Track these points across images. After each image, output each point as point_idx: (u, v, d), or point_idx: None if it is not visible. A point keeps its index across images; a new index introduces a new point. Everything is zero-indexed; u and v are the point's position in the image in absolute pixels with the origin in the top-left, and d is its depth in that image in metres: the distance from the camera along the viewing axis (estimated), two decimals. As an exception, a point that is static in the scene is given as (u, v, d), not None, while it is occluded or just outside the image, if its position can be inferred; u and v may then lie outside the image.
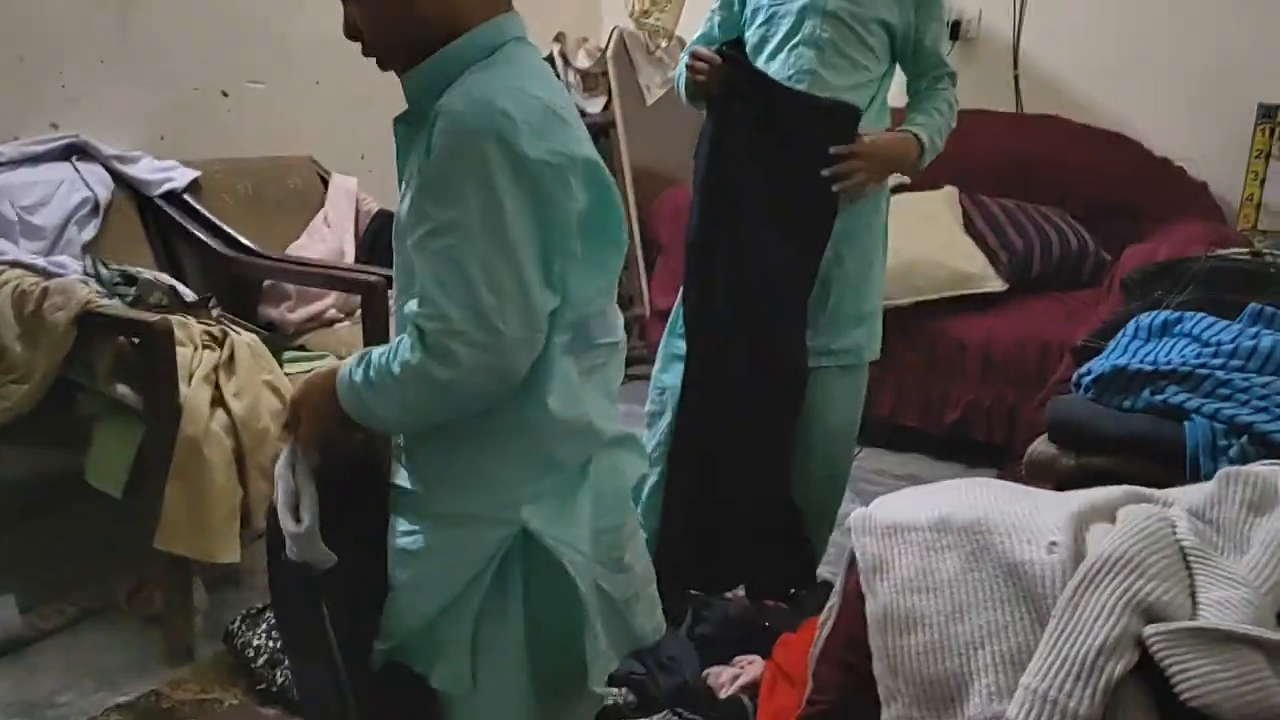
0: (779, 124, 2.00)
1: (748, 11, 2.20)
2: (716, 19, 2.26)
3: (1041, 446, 1.20)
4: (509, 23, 1.08)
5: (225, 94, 2.84)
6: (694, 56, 2.03)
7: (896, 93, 2.17)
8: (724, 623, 2.02)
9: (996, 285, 3.13)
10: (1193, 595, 0.67)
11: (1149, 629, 0.63)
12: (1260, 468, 0.77)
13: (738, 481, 2.10)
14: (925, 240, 3.12)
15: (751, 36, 2.19)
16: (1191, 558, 0.69)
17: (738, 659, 1.89)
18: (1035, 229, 3.23)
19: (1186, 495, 0.77)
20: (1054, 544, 0.69)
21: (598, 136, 3.99)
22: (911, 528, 0.76)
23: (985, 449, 3.00)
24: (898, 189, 3.37)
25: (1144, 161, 3.41)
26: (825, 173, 1.94)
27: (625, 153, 3.66)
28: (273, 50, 2.95)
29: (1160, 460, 1.11)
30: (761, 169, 2.02)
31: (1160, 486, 1.08)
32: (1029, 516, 0.73)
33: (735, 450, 2.08)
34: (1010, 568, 0.71)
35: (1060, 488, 1.27)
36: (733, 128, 2.05)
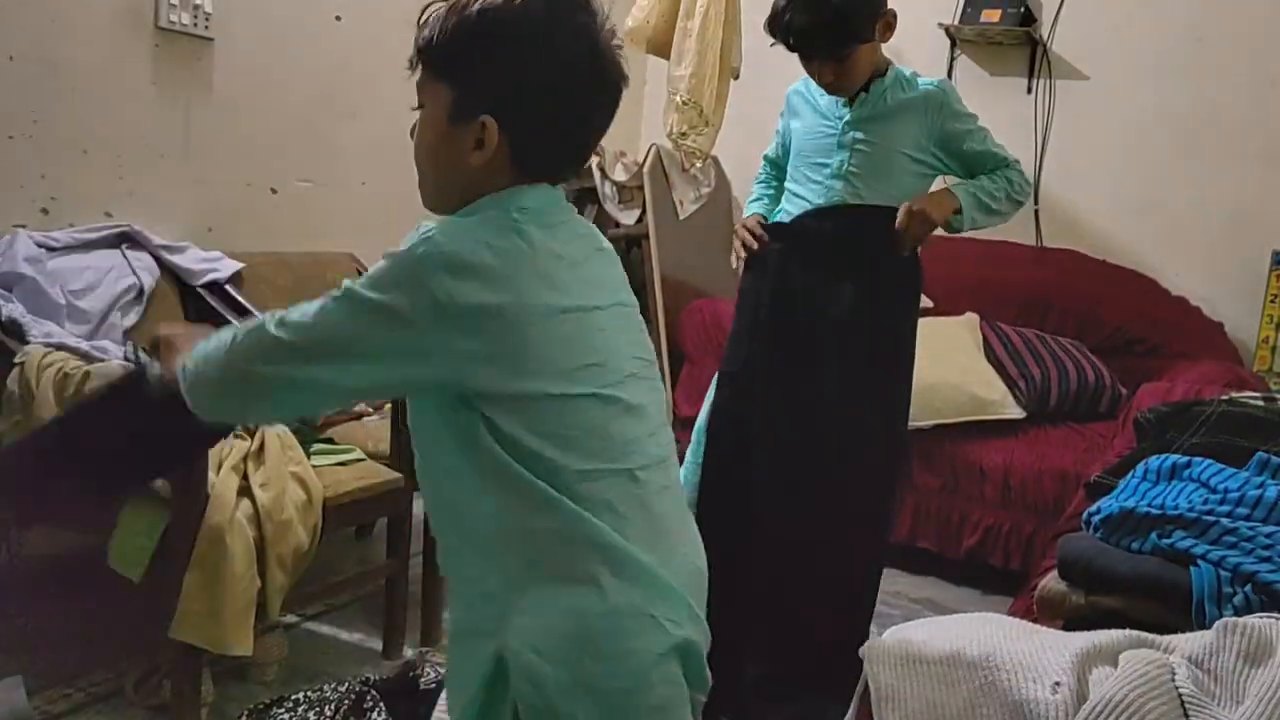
0: (833, 244, 2.15)
1: (788, 143, 2.32)
2: (776, 148, 2.40)
3: (1052, 583, 1.22)
4: (521, 194, 1.09)
5: (274, 190, 2.96)
6: (743, 240, 2.20)
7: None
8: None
9: (1015, 413, 3.15)
10: (1190, 744, 0.69)
11: (1146, 775, 0.65)
12: (1256, 620, 0.79)
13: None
14: (947, 365, 3.16)
15: (791, 170, 2.30)
16: (1189, 706, 0.71)
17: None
18: (1053, 359, 3.27)
19: (1186, 643, 0.80)
20: (1058, 684, 0.72)
21: (630, 247, 4.11)
22: (924, 659, 0.78)
23: (1002, 575, 2.99)
24: (923, 312, 3.47)
25: (1161, 299, 3.48)
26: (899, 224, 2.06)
27: (656, 263, 3.76)
28: (323, 152, 3.09)
29: (1167, 603, 1.13)
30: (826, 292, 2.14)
31: (1166, 629, 1.10)
32: (1035, 655, 0.76)
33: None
34: (1016, 706, 0.73)
35: (1069, 625, 1.28)
36: (789, 277, 2.18)
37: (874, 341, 2.18)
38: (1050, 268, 3.61)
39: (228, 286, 2.63)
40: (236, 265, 2.67)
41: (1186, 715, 0.71)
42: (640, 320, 1.17)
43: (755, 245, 2.20)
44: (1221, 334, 3.43)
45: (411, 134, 1.15)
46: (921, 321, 3.22)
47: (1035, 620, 1.36)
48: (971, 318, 3.43)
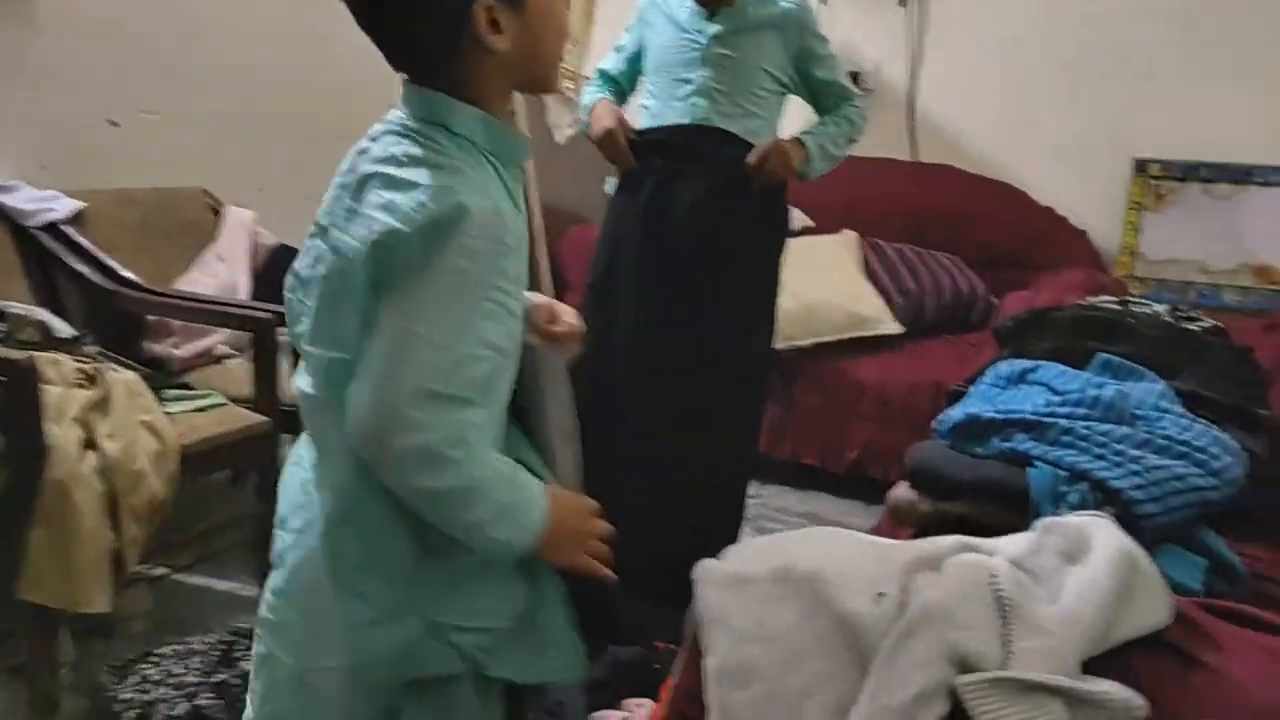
0: (698, 168, 2.16)
1: (646, 60, 2.29)
2: (618, 59, 2.35)
3: (901, 492, 1.23)
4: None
5: (114, 123, 2.77)
6: (602, 145, 2.18)
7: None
8: (614, 666, 2.01)
9: (893, 328, 3.20)
10: (1006, 644, 0.69)
11: (960, 679, 0.65)
12: (1074, 518, 0.80)
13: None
14: (826, 283, 3.19)
15: (651, 86, 2.28)
16: (1007, 607, 0.72)
17: (626, 702, 1.88)
18: (929, 274, 3.32)
19: (1010, 545, 0.80)
20: (881, 594, 0.71)
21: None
22: (752, 579, 0.77)
23: (884, 486, 3.03)
24: (800, 232, 3.48)
25: (1030, 211, 3.55)
26: (751, 158, 2.11)
27: (534, 187, 3.66)
28: (168, 80, 2.90)
29: (1008, 505, 1.14)
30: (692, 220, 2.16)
31: (1010, 531, 1.12)
32: (862, 567, 0.75)
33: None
34: (841, 619, 0.72)
35: (920, 532, 1.30)
36: (650, 198, 2.19)
37: (739, 264, 2.19)
38: (925, 183, 3.65)
39: (67, 228, 2.47)
40: (76, 204, 2.50)
41: (1004, 617, 0.71)
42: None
43: (629, 161, 2.17)
44: (1086, 242, 3.52)
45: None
46: (800, 240, 3.24)
47: (886, 526, 1.38)
48: (849, 235, 3.46)
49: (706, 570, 0.79)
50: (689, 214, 2.16)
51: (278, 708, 1.14)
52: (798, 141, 2.19)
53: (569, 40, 3.57)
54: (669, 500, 2.20)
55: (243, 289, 2.78)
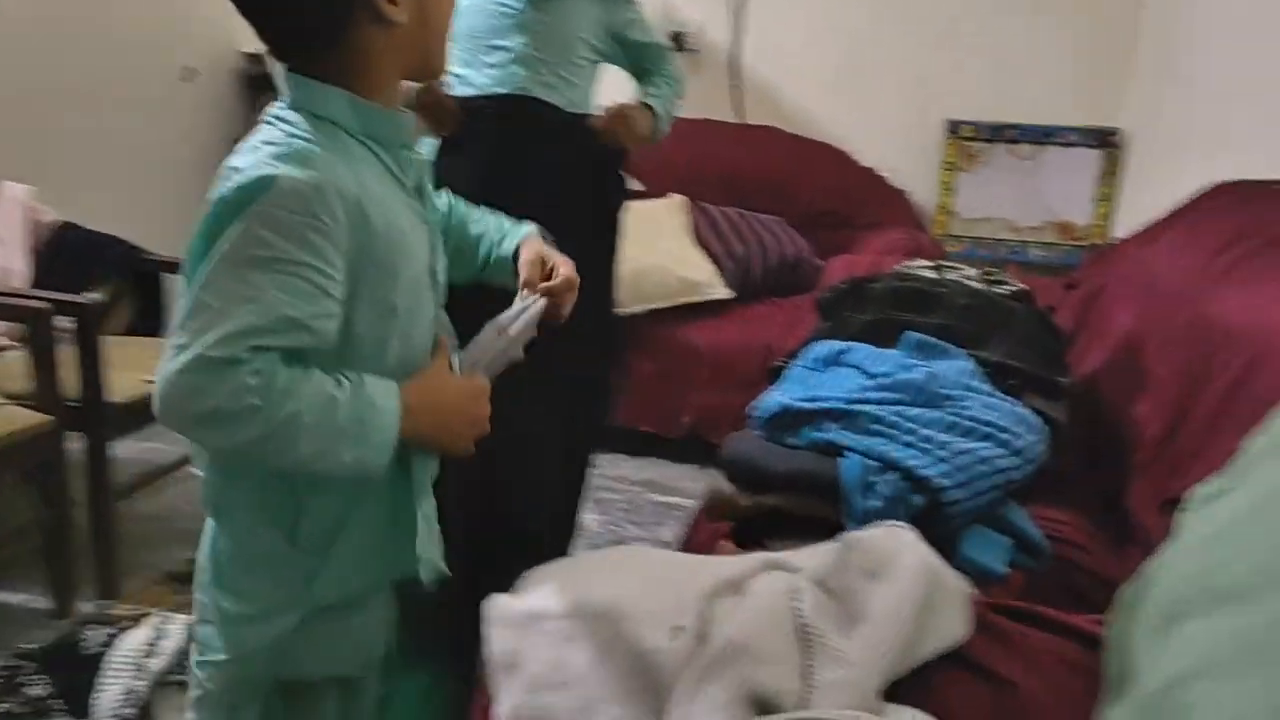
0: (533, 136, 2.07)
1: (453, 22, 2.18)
2: None
3: (717, 486, 1.21)
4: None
5: None
6: (427, 109, 2.02)
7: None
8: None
9: (723, 293, 3.21)
10: (807, 678, 0.67)
11: (757, 722, 0.63)
12: (877, 532, 0.79)
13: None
14: (655, 249, 3.16)
15: (459, 50, 2.18)
16: (810, 635, 0.70)
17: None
18: (755, 236, 3.34)
19: (813, 562, 0.78)
20: (679, 628, 0.68)
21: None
22: (547, 615, 0.72)
23: (719, 450, 3.09)
24: (633, 195, 3.44)
25: (852, 171, 3.62)
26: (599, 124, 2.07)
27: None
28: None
29: (822, 497, 1.14)
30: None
31: (825, 522, 1.11)
32: (661, 597, 0.71)
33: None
34: (637, 657, 0.68)
35: (738, 527, 1.29)
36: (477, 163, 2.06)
37: (584, 232, 2.13)
38: (751, 145, 3.66)
39: None
40: None
41: (806, 647, 0.69)
42: None
43: (457, 125, 2.07)
44: (905, 202, 3.62)
45: None
46: (630, 205, 3.19)
47: (705, 522, 1.36)
48: (677, 199, 3.44)
49: (497, 608, 0.74)
50: (530, 183, 2.09)
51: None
52: (644, 106, 2.17)
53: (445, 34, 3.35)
54: (515, 470, 2.15)
55: (19, 272, 2.53)
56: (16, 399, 2.11)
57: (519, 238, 1.28)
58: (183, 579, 2.34)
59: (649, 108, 2.17)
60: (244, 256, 0.90)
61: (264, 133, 0.98)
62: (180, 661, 1.66)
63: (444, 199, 1.29)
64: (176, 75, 3.48)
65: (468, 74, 2.16)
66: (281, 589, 1.06)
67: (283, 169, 0.92)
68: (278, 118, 0.99)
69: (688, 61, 3.74)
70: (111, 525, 2.26)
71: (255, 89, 3.70)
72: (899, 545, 0.76)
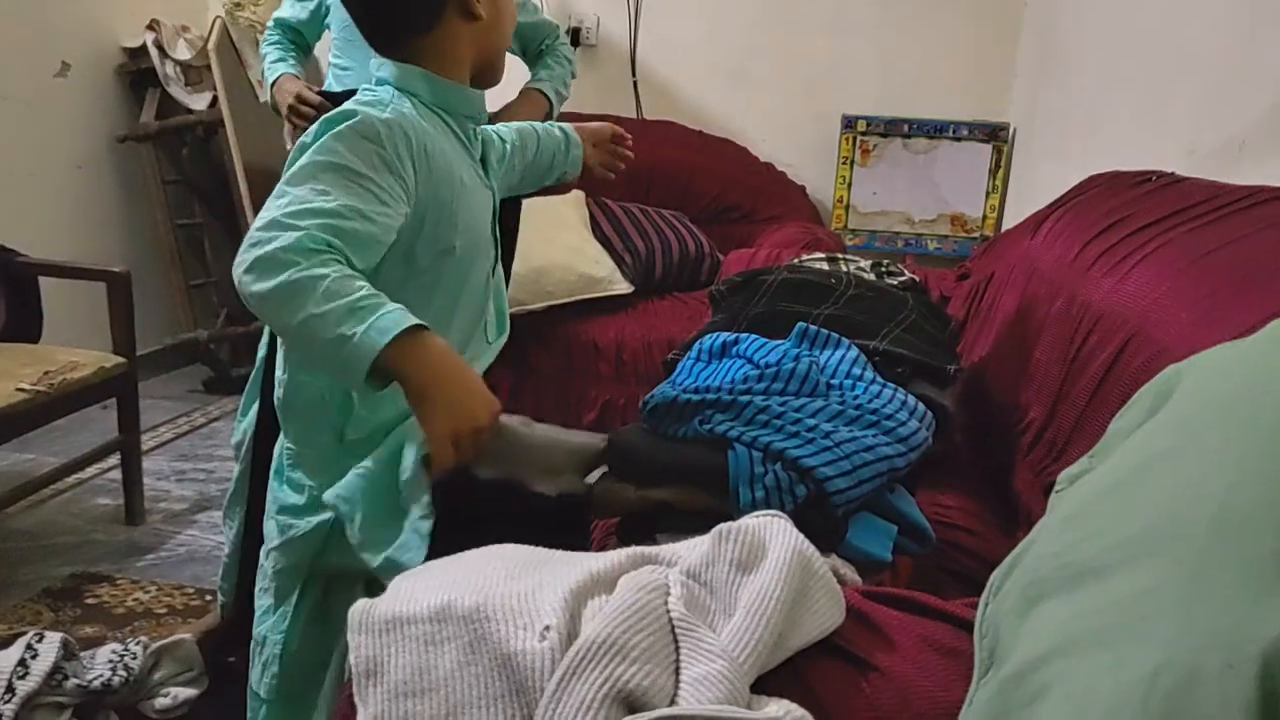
0: None
1: (333, 14, 2.17)
2: (303, 10, 2.22)
3: (604, 481, 1.20)
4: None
5: None
6: (298, 100, 2.04)
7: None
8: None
9: (624, 288, 3.20)
10: (677, 673, 0.66)
11: (626, 720, 0.62)
12: (749, 522, 0.78)
13: None
14: (556, 245, 3.14)
15: (341, 44, 2.16)
16: (679, 630, 0.69)
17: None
18: (656, 232, 3.34)
19: (687, 555, 0.78)
20: (547, 628, 0.66)
21: (208, 135, 3.67)
22: (412, 620, 0.70)
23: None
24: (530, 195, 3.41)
25: (752, 166, 3.65)
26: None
27: (237, 152, 3.37)
28: None
29: (710, 489, 1.13)
30: None
31: (712, 514, 1.10)
32: (530, 596, 0.70)
33: None
34: (505, 658, 0.66)
35: (624, 521, 1.28)
36: None
37: None
38: (650, 140, 3.63)
39: None
40: None
41: (676, 642, 0.68)
42: None
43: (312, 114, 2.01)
44: (804, 197, 3.66)
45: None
46: (529, 201, 3.15)
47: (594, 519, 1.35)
48: (577, 195, 3.41)
49: (361, 614, 0.71)
50: None
51: None
52: (537, 92, 2.23)
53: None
54: None
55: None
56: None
57: (576, 144, 1.70)
58: (59, 595, 2.24)
59: (543, 94, 2.20)
60: (323, 163, 1.08)
61: (357, 97, 1.20)
62: (52, 682, 1.58)
63: (505, 133, 1.51)
64: (53, 71, 3.33)
65: (352, 69, 2.12)
66: (328, 482, 1.20)
67: (364, 110, 1.13)
68: (368, 89, 1.22)
69: (586, 56, 3.72)
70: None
71: (136, 85, 3.55)
72: (771, 534, 0.76)
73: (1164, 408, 0.69)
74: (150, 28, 3.48)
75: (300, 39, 2.28)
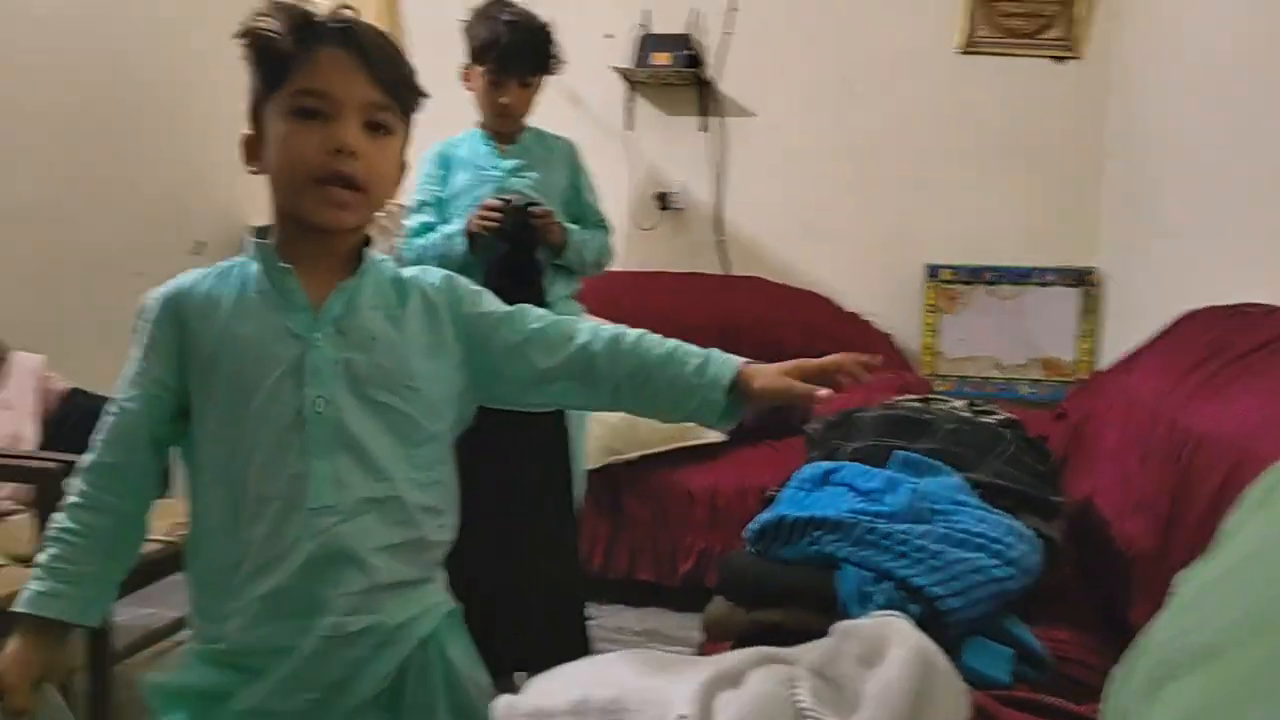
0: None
1: (453, 180, 2.40)
2: (432, 212, 2.44)
3: (716, 605, 1.22)
4: None
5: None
6: (484, 207, 2.27)
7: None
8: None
9: (716, 436, 3.25)
10: (807, 759, 0.68)
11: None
12: (871, 621, 0.81)
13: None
14: (647, 396, 3.22)
15: (454, 218, 2.38)
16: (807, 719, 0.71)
17: None
18: (747, 382, 3.41)
19: (810, 653, 0.80)
20: (683, 717, 0.69)
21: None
22: (552, 713, 0.74)
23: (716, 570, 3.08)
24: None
25: (837, 316, 3.73)
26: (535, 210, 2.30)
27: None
28: None
29: (820, 610, 1.15)
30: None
31: (824, 635, 1.12)
32: (664, 690, 0.73)
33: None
34: (642, 748, 0.70)
35: (737, 645, 1.30)
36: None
37: None
38: (737, 294, 3.78)
39: None
40: None
41: (805, 729, 0.70)
42: None
43: (499, 215, 2.27)
44: (891, 344, 3.71)
45: (352, 182, 1.11)
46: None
47: (707, 644, 1.37)
48: (669, 348, 3.52)
49: (505, 708, 0.75)
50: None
51: None
52: (562, 226, 2.40)
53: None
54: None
55: (28, 438, 2.58)
56: (21, 560, 2.11)
57: (715, 385, 1.24)
58: (178, 742, 2.28)
59: (566, 229, 2.39)
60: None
61: None
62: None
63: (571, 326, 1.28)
64: (188, 249, 3.63)
65: None
66: None
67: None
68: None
69: (673, 219, 3.91)
70: (110, 690, 2.22)
71: (259, 259, 3.83)
72: (892, 632, 0.78)
73: (1269, 500, 0.71)
74: (277, 208, 3.79)
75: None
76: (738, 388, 1.24)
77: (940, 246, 3.68)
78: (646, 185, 3.91)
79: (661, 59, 3.74)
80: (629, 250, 3.90)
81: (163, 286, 1.16)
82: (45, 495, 2.12)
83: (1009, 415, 2.22)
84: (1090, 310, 3.53)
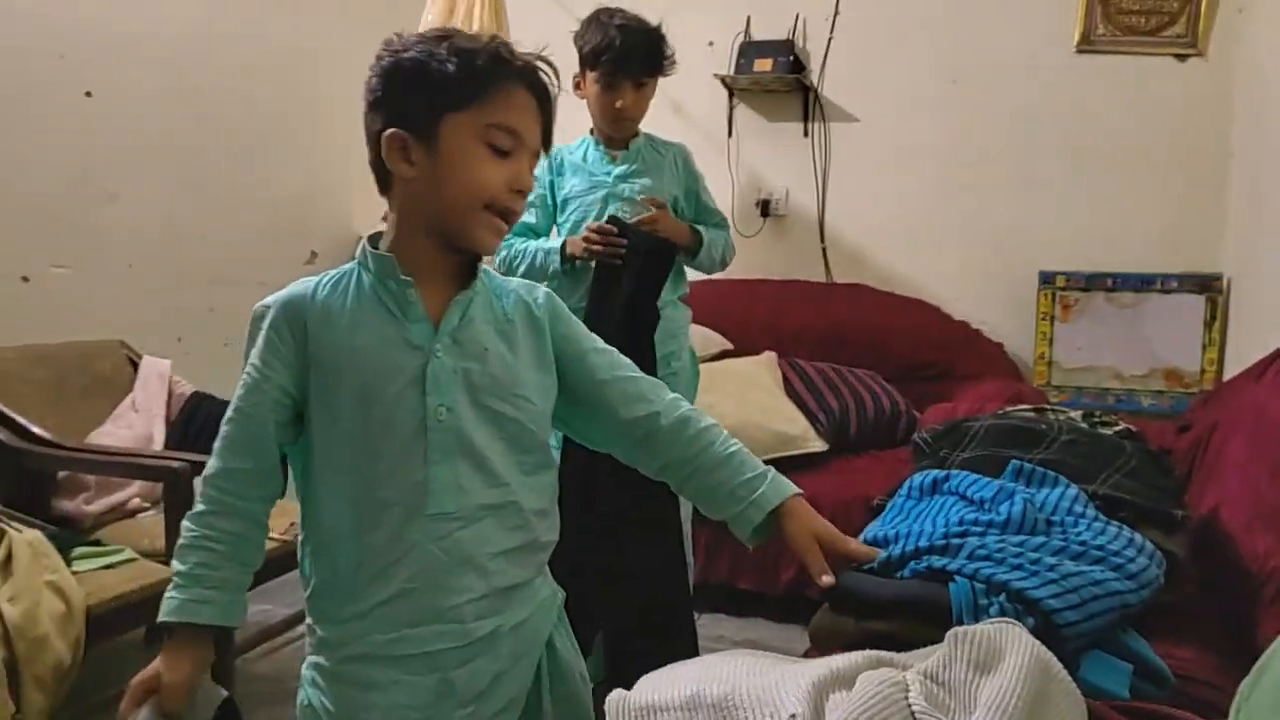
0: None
1: (560, 201, 2.41)
2: (535, 213, 2.45)
3: (824, 615, 1.21)
4: None
5: (26, 279, 2.74)
6: (592, 230, 2.27)
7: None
8: None
9: (818, 446, 3.22)
10: (921, 763, 0.67)
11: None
12: (986, 626, 0.80)
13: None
14: (748, 404, 3.21)
15: (565, 222, 2.39)
16: (921, 722, 0.70)
17: None
18: (850, 391, 3.37)
19: (924, 658, 0.79)
20: (794, 716, 0.69)
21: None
22: (665, 708, 0.74)
23: (820, 605, 3.03)
24: (720, 356, 3.54)
25: (945, 325, 3.65)
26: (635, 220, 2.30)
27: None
28: (81, 235, 2.89)
29: (932, 621, 1.13)
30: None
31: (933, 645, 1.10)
32: (774, 689, 0.73)
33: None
34: (753, 746, 0.70)
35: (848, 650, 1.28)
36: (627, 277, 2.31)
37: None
38: (840, 302, 3.74)
39: (-29, 386, 2.40)
40: (-18, 363, 2.44)
41: (918, 733, 0.69)
42: None
43: (602, 239, 2.26)
44: (1002, 354, 3.62)
45: (522, 193, 1.18)
46: (721, 363, 3.27)
47: (813, 653, 1.35)
48: (769, 356, 3.51)
49: (617, 702, 0.76)
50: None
51: None
52: (690, 227, 2.43)
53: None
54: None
55: (158, 440, 2.72)
56: (151, 556, 2.22)
57: (763, 506, 1.25)
58: (295, 734, 2.37)
59: (696, 231, 2.42)
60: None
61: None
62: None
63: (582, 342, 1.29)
64: (303, 260, 3.78)
65: None
66: None
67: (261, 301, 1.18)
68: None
69: (776, 226, 3.90)
70: (229, 684, 2.32)
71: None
72: (1008, 638, 0.77)
73: None
74: (384, 219, 3.92)
75: (536, 237, 2.50)
76: (779, 516, 1.25)
77: (1054, 252, 3.58)
78: (749, 192, 3.91)
79: (764, 65, 3.74)
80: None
81: (277, 295, 1.17)
82: (173, 494, 2.24)
83: (1129, 427, 2.15)
84: (1215, 318, 3.39)
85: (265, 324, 1.15)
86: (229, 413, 1.15)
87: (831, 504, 3.04)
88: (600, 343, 1.28)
